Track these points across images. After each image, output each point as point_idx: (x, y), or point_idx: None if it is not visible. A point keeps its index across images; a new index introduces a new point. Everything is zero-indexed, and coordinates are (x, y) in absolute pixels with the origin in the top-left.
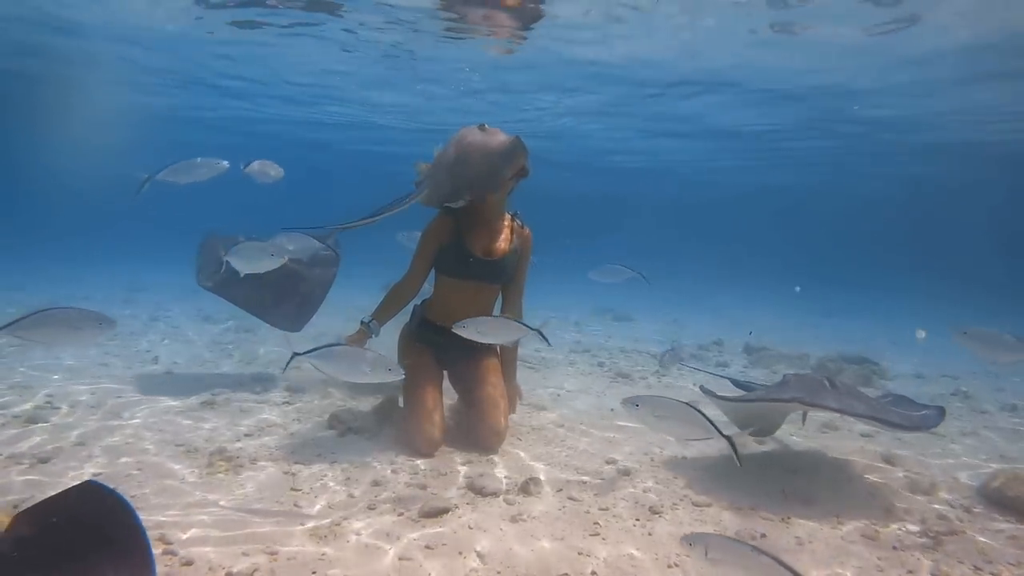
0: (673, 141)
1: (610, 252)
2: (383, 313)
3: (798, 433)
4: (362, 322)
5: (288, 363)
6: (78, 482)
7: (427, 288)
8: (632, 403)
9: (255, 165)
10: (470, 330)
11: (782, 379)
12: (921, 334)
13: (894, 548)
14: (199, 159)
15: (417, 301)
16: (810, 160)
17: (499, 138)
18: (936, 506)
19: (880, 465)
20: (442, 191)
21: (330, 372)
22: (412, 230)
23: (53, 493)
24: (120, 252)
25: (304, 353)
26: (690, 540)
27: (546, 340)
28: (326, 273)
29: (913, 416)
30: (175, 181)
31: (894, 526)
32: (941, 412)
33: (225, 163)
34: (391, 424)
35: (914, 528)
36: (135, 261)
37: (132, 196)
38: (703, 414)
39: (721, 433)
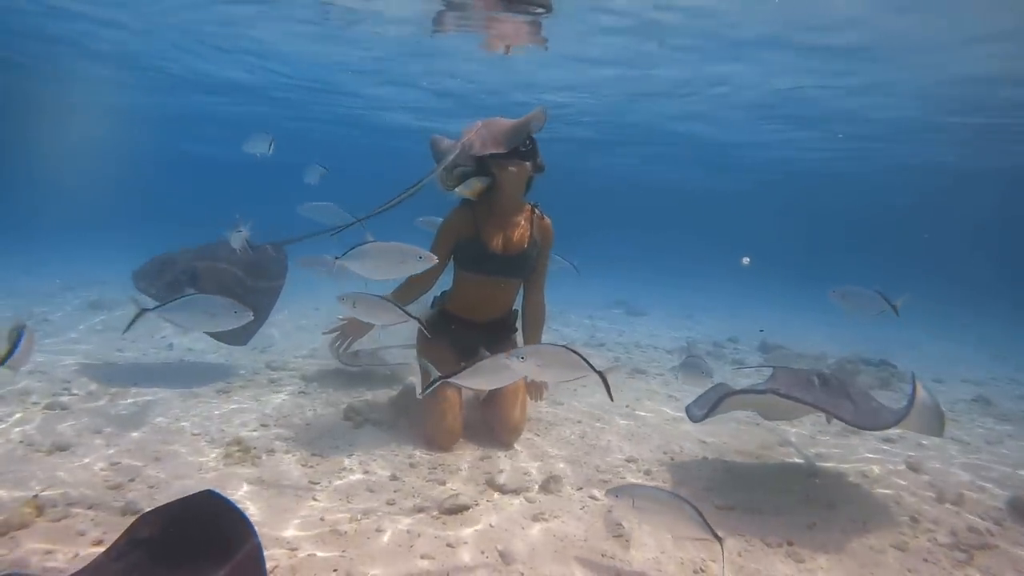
0: (697, 127)
1: (621, 247)
2: (397, 299)
3: (819, 436)
4: None
5: (431, 386)
6: (197, 491)
7: (445, 279)
8: (518, 356)
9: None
10: (348, 303)
11: (772, 373)
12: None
13: (925, 560)
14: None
15: (437, 292)
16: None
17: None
18: (965, 517)
19: (904, 472)
20: (472, 148)
21: (478, 386)
22: (430, 216)
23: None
24: (122, 242)
25: (454, 375)
26: (616, 492)
27: (424, 327)
28: (273, 286)
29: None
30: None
31: (923, 537)
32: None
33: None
34: (408, 416)
35: (944, 540)
36: (139, 251)
37: (267, 153)
38: (578, 353)
39: (594, 369)
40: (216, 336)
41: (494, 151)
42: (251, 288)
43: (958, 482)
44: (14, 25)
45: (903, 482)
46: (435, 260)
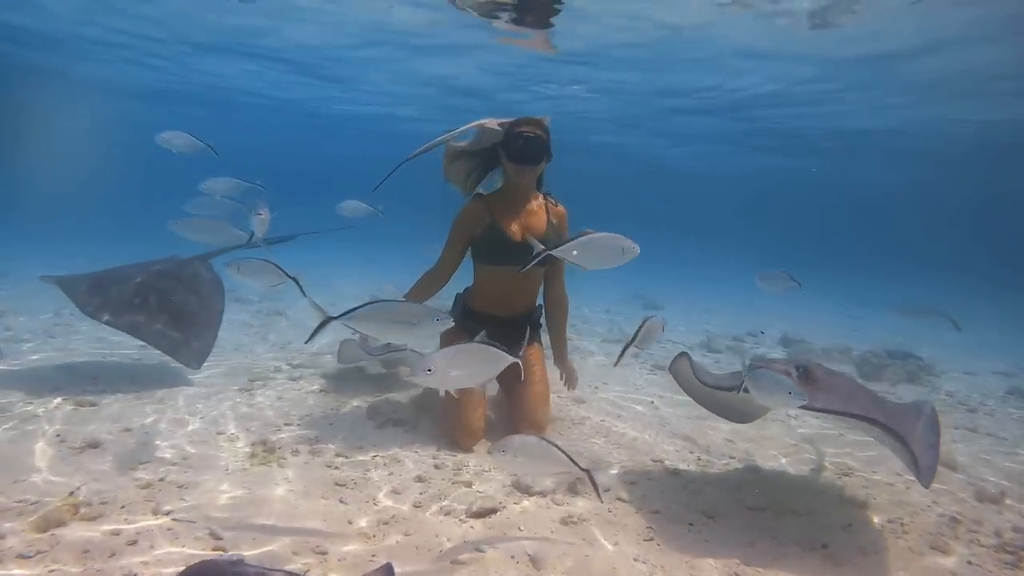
0: (715, 121)
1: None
2: (413, 298)
3: (847, 434)
4: None
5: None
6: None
7: (465, 276)
8: (426, 368)
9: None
10: (233, 268)
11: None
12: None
13: (969, 563)
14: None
15: (459, 289)
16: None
17: None
18: (1008, 517)
19: (940, 470)
20: (491, 129)
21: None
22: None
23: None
24: (121, 234)
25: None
26: (500, 448)
27: (299, 286)
28: (215, 305)
29: (905, 438)
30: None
31: (965, 538)
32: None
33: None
34: (430, 416)
35: (989, 541)
36: (143, 244)
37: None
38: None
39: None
40: (179, 359)
41: (502, 124)
42: (205, 305)
43: (998, 480)
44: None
45: (939, 480)
46: (638, 251)
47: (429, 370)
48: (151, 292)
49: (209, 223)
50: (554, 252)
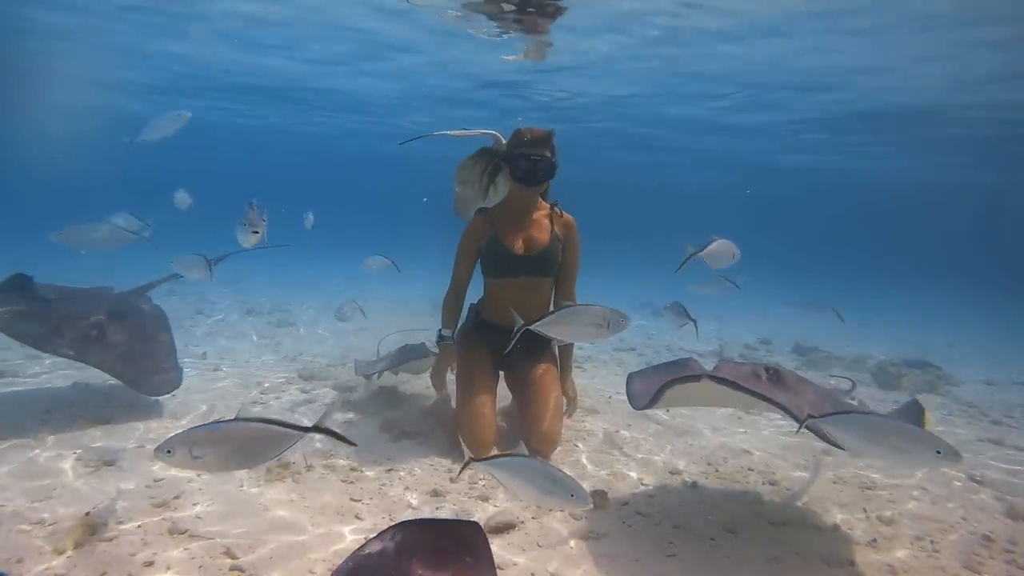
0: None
1: (643, 248)
2: (449, 323)
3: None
4: (443, 337)
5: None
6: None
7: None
8: (166, 450)
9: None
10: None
11: (715, 366)
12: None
13: None
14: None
15: (473, 300)
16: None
17: None
18: None
19: (968, 485)
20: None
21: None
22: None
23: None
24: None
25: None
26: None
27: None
28: (165, 334)
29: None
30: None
31: (1000, 558)
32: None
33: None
34: (444, 428)
35: None
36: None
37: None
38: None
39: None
40: (146, 391)
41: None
42: (154, 335)
43: None
44: None
45: (968, 496)
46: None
47: (169, 451)
48: (105, 327)
49: (93, 227)
50: (696, 255)
